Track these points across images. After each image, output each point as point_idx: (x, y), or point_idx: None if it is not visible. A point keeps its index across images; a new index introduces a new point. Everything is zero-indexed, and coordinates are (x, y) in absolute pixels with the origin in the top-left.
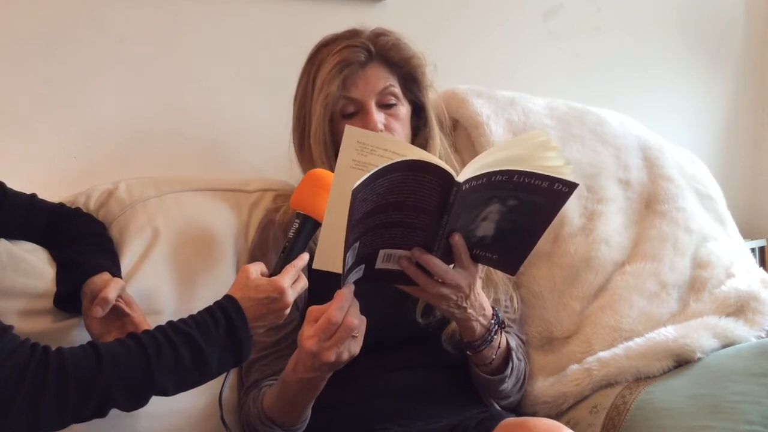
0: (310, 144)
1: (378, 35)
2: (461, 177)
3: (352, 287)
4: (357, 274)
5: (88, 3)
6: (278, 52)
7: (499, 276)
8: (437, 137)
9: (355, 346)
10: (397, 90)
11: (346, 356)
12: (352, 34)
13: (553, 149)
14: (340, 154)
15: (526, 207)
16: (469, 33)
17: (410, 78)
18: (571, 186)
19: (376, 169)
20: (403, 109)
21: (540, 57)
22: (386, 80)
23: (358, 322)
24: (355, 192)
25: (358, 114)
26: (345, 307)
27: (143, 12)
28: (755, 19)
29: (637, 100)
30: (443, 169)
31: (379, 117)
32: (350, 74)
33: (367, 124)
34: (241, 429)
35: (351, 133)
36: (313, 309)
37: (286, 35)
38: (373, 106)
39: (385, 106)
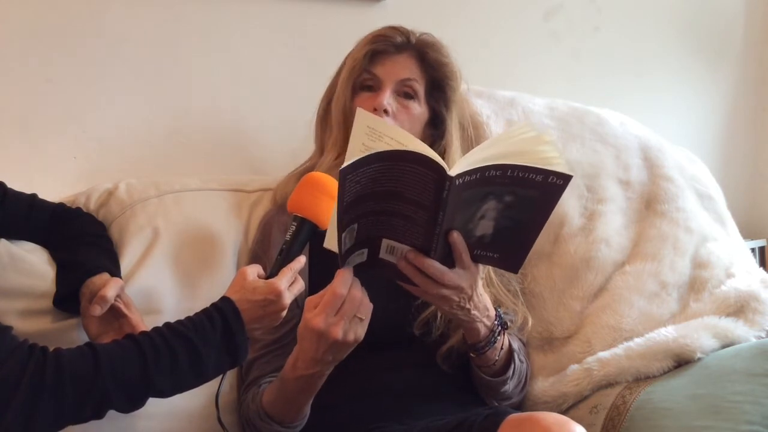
0: (331, 110)
1: (423, 34)
2: (453, 171)
3: (351, 268)
4: (360, 257)
5: (88, 3)
6: (278, 52)
7: (513, 283)
8: (454, 154)
9: (360, 330)
10: (419, 88)
11: (351, 337)
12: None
13: (547, 143)
14: (351, 137)
15: (522, 202)
16: (469, 33)
17: (437, 86)
18: (566, 178)
19: (363, 155)
20: (419, 109)
21: (540, 57)
22: (412, 73)
23: (362, 294)
24: (344, 173)
25: (373, 91)
26: (348, 281)
27: (143, 12)
28: (755, 19)
29: (637, 100)
30: (435, 162)
31: (389, 99)
32: (381, 50)
33: (375, 100)
34: (241, 426)
35: (362, 117)
36: (312, 298)
37: (286, 35)
38: (389, 88)
39: (401, 96)
